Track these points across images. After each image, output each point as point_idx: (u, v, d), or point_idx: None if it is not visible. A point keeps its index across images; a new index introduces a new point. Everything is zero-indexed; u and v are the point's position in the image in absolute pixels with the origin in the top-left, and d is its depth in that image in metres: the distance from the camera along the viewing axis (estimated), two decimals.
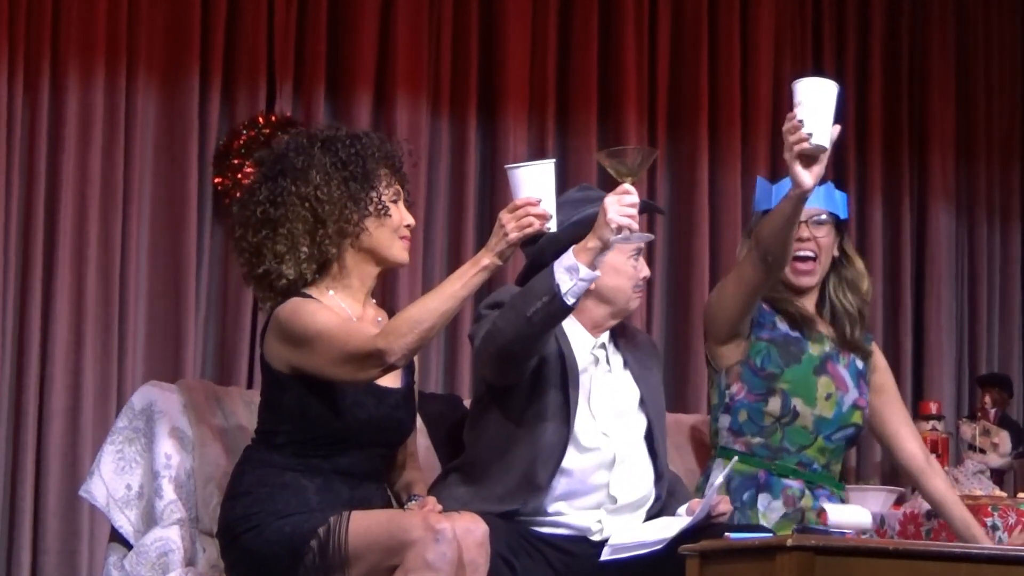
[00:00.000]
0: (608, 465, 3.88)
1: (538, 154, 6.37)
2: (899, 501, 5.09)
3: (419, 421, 4.01)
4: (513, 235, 3.57)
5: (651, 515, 3.94)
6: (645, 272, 3.99)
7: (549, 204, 3.60)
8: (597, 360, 3.97)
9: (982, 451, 5.96)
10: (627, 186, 3.61)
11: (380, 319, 3.82)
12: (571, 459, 3.85)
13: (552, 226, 3.60)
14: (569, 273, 3.60)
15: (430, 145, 6.41)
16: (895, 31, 7.28)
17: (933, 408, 6.10)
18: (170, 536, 3.89)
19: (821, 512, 4.02)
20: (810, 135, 3.74)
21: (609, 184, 3.72)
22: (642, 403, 3.99)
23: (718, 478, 3.83)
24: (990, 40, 7.42)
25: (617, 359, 4.02)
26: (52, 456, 5.70)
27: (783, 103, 6.52)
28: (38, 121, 5.83)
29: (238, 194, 4.51)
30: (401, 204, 3.85)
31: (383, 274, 3.90)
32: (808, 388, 4.18)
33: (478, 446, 3.91)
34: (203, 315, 6.06)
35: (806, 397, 4.18)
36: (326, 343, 3.61)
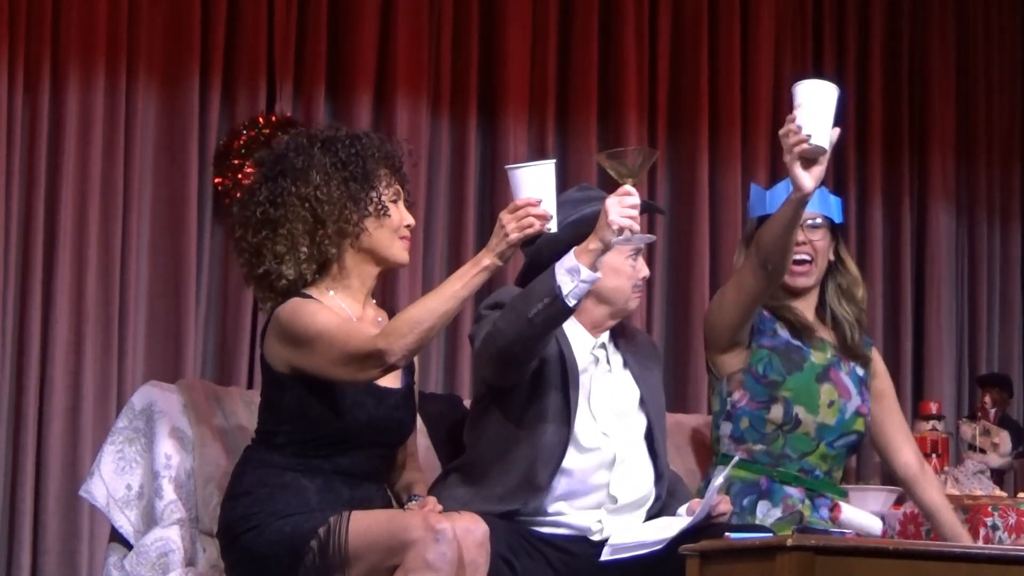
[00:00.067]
0: (608, 465, 3.88)
1: (538, 154, 6.37)
2: (899, 501, 5.09)
3: (419, 421, 4.01)
4: (513, 235, 3.57)
5: (651, 515, 3.94)
6: (644, 272, 3.99)
7: (550, 204, 3.60)
8: (597, 360, 3.97)
9: (982, 451, 5.96)
10: (628, 187, 3.61)
11: (380, 319, 3.82)
12: (571, 459, 3.85)
13: (552, 226, 3.60)
14: (570, 275, 3.60)
15: (430, 145, 6.41)
16: (895, 31, 7.28)
17: (933, 408, 6.10)
18: (170, 536, 3.89)
19: (836, 506, 4.03)
20: (809, 136, 3.74)
21: (609, 185, 3.72)
22: (642, 403, 3.99)
23: (718, 478, 3.83)
24: (990, 40, 7.42)
25: (617, 359, 4.02)
26: (52, 456, 5.70)
27: (783, 103, 6.52)
28: (38, 121, 5.83)
29: (238, 194, 4.51)
30: (401, 204, 3.85)
31: (383, 274, 3.90)
32: (810, 396, 4.18)
33: (478, 446, 3.91)
34: (203, 315, 6.06)
35: (808, 405, 4.17)
36: (326, 343, 3.61)
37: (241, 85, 6.15)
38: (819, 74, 7.13)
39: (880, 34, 7.23)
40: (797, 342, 4.22)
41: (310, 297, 3.74)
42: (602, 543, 3.83)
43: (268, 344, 3.76)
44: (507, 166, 3.71)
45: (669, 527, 3.77)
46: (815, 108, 3.75)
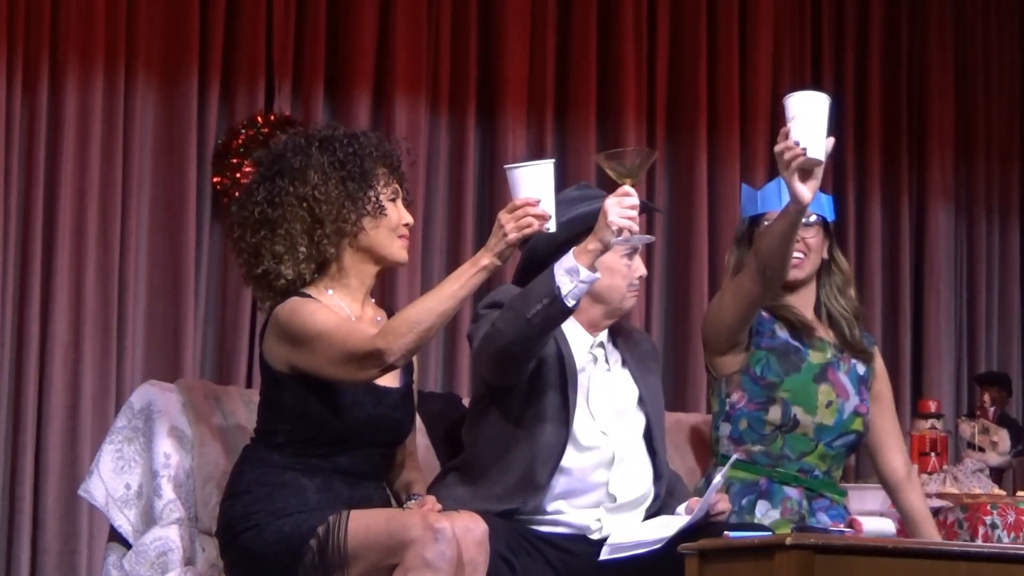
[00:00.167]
0: (607, 464, 3.88)
1: (537, 154, 6.37)
2: None
3: (418, 420, 4.01)
4: (512, 235, 3.57)
5: (650, 514, 3.94)
6: (641, 271, 3.99)
7: (548, 204, 3.59)
8: (595, 359, 3.97)
9: (981, 449, 5.96)
10: (627, 188, 3.61)
11: (379, 319, 3.82)
12: (570, 458, 3.85)
13: (551, 226, 3.60)
14: (569, 275, 3.60)
15: (429, 145, 6.42)
16: (894, 31, 7.28)
17: (932, 406, 6.10)
18: (169, 535, 3.88)
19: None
20: (806, 150, 3.74)
21: (608, 185, 3.72)
22: (641, 402, 3.99)
23: (717, 476, 3.83)
24: (988, 40, 7.43)
25: (616, 358, 4.02)
26: (51, 456, 5.70)
27: (782, 103, 6.52)
28: (37, 121, 5.83)
29: (237, 193, 4.51)
30: (399, 203, 3.85)
31: (382, 273, 3.90)
32: (808, 396, 4.18)
33: (477, 445, 3.91)
34: (202, 314, 6.07)
35: (806, 405, 4.17)
36: (325, 343, 3.61)
37: (240, 84, 6.15)
38: (818, 73, 7.14)
39: (879, 34, 7.23)
40: (796, 342, 4.22)
41: (309, 296, 3.74)
42: (601, 542, 3.83)
43: (267, 343, 3.76)
44: (506, 166, 3.71)
45: (668, 526, 3.77)
46: (809, 120, 3.75)
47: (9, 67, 5.78)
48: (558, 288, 3.59)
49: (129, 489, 3.99)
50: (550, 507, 3.85)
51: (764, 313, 4.22)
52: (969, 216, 7.33)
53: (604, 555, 3.78)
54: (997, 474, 5.97)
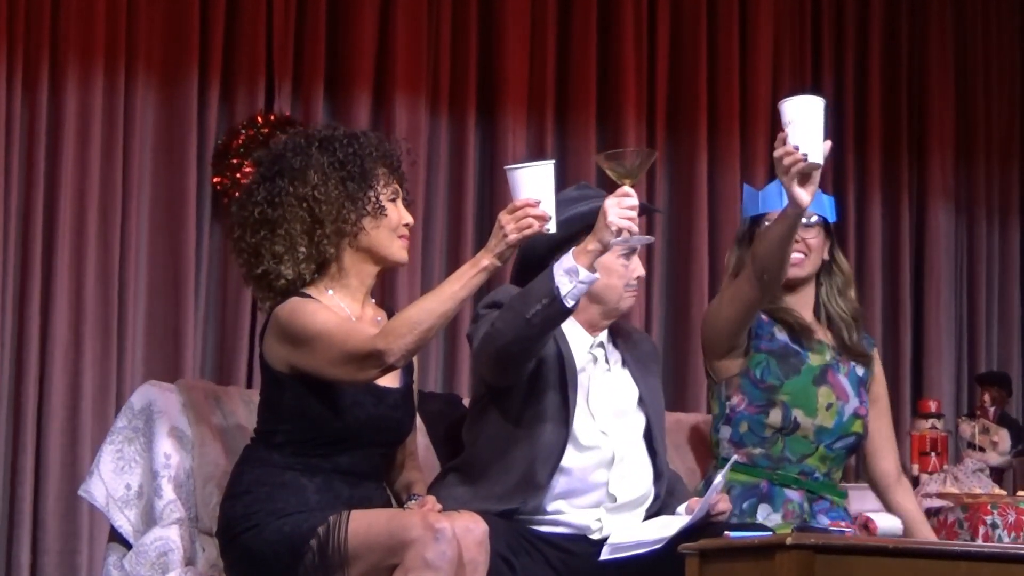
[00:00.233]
0: (607, 464, 3.88)
1: (537, 154, 6.37)
2: None
3: (418, 420, 4.01)
4: (512, 236, 3.57)
5: (650, 514, 3.93)
6: (639, 272, 3.98)
7: (548, 205, 3.59)
8: (595, 359, 3.97)
9: (981, 449, 5.97)
10: (627, 188, 3.61)
11: (379, 319, 3.82)
12: (570, 457, 3.85)
13: (552, 227, 3.60)
14: (569, 276, 3.60)
15: (429, 145, 6.42)
16: (894, 32, 7.28)
17: (932, 406, 6.10)
18: (170, 536, 3.88)
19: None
20: (805, 155, 3.74)
21: (607, 185, 3.72)
22: (641, 402, 3.99)
23: (718, 477, 3.83)
24: (988, 40, 7.43)
25: (616, 358, 4.02)
26: (51, 456, 5.70)
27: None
28: (37, 121, 5.83)
29: (237, 194, 4.51)
30: (400, 203, 3.85)
31: (382, 273, 3.90)
32: (808, 399, 4.18)
33: (477, 445, 3.91)
34: (202, 315, 6.07)
35: (806, 408, 4.17)
36: (325, 343, 3.61)
37: (240, 84, 6.15)
38: (818, 73, 7.14)
39: (879, 34, 7.23)
40: (795, 345, 4.21)
41: (309, 296, 3.74)
42: (601, 542, 3.83)
43: (267, 343, 3.76)
44: (506, 167, 3.71)
45: (668, 526, 3.77)
46: (806, 124, 3.75)
47: (9, 67, 5.78)
48: (557, 288, 3.59)
49: (129, 489, 3.99)
50: (550, 507, 3.85)
51: (763, 316, 4.21)
52: (969, 216, 7.33)
53: (604, 555, 3.78)
54: (997, 474, 5.98)
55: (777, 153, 3.76)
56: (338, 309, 3.74)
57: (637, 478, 3.93)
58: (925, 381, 7.08)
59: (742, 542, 3.35)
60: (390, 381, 3.77)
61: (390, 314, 3.80)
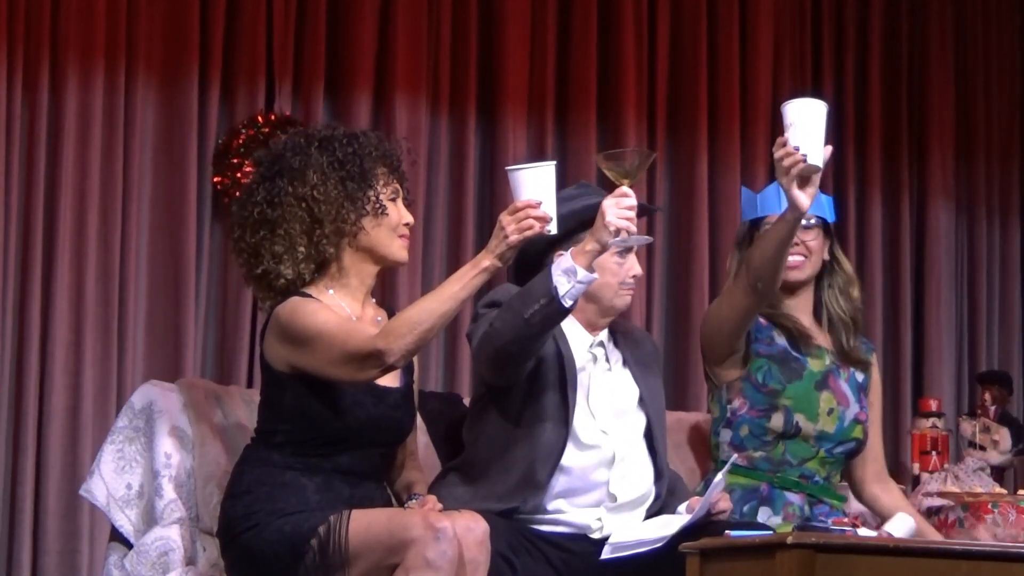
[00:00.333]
0: (608, 463, 3.88)
1: (537, 154, 6.37)
2: None
3: (419, 420, 4.01)
4: (513, 237, 3.57)
5: (651, 513, 3.93)
6: (635, 270, 3.98)
7: (550, 206, 3.59)
8: (595, 358, 3.97)
9: (982, 448, 5.97)
10: (625, 189, 3.61)
11: (380, 319, 3.82)
12: (570, 457, 3.85)
13: (553, 228, 3.60)
14: (567, 276, 3.60)
15: (429, 145, 6.42)
16: (894, 32, 7.28)
17: (933, 405, 6.11)
18: (170, 535, 3.88)
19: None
20: (805, 156, 3.73)
21: (607, 185, 3.72)
22: (641, 401, 3.99)
23: (718, 476, 3.83)
24: (988, 39, 7.43)
25: (617, 357, 4.02)
26: (52, 456, 5.71)
27: (782, 103, 6.52)
28: (37, 121, 5.83)
29: (237, 193, 4.51)
30: (400, 202, 3.85)
31: (382, 273, 3.90)
32: (810, 404, 4.17)
33: (477, 445, 3.91)
34: (203, 314, 6.07)
35: (808, 413, 4.16)
36: (326, 343, 3.61)
37: (240, 84, 6.15)
38: (818, 73, 7.14)
39: (879, 34, 7.24)
40: (794, 351, 4.20)
41: (309, 296, 3.74)
42: (601, 541, 3.83)
43: (267, 343, 3.76)
44: (507, 167, 3.70)
45: (669, 525, 3.77)
46: (807, 127, 3.74)
47: (9, 67, 5.78)
48: (555, 288, 3.60)
49: (130, 489, 3.99)
50: (550, 506, 3.85)
51: (762, 320, 4.20)
52: (969, 215, 7.33)
53: (605, 554, 3.78)
54: (998, 473, 5.98)
55: (777, 154, 3.76)
56: (339, 309, 3.74)
57: (637, 478, 3.93)
58: (926, 380, 7.08)
59: (743, 541, 3.35)
60: (390, 381, 3.77)
61: (391, 314, 3.80)
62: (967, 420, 6.20)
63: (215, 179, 6.08)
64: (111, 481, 4.00)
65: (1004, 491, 5.30)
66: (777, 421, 4.15)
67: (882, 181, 7.17)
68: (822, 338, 4.27)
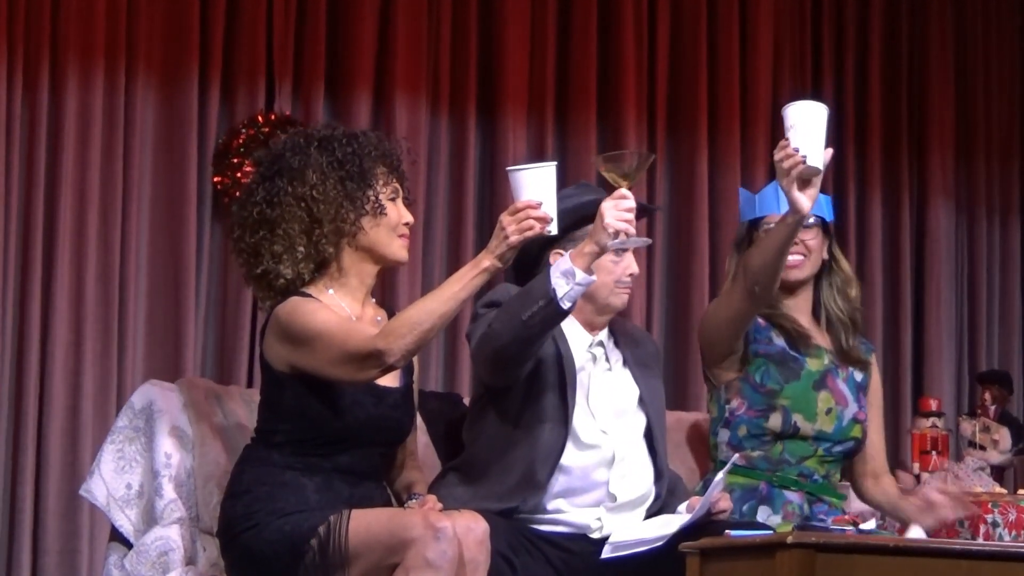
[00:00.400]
0: (607, 463, 3.88)
1: (537, 154, 6.38)
2: None
3: (419, 419, 4.01)
4: (513, 238, 3.57)
5: (651, 513, 3.93)
6: (632, 269, 3.97)
7: (550, 207, 3.59)
8: (595, 358, 3.97)
9: (982, 448, 5.97)
10: (624, 191, 3.61)
11: (380, 318, 3.82)
12: (570, 456, 3.85)
13: (553, 229, 3.60)
14: (565, 277, 3.60)
15: (429, 145, 6.42)
16: (894, 32, 7.29)
17: (933, 405, 6.10)
18: (170, 535, 3.88)
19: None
20: (805, 158, 3.73)
21: (607, 185, 3.72)
22: (641, 401, 3.99)
23: (719, 475, 3.83)
24: (988, 39, 7.43)
25: (617, 357, 4.02)
26: (52, 456, 5.71)
27: (782, 102, 6.53)
28: (37, 121, 5.83)
29: (237, 193, 4.51)
30: (399, 202, 3.85)
31: (382, 273, 3.90)
32: (808, 404, 4.17)
33: (477, 445, 3.91)
34: (203, 314, 6.07)
35: (806, 412, 4.16)
36: (325, 343, 3.61)
37: (240, 84, 6.16)
38: (818, 73, 7.15)
39: (879, 34, 7.24)
40: (793, 352, 4.20)
41: (309, 296, 3.74)
42: (601, 541, 3.83)
43: (267, 343, 3.76)
44: (508, 168, 3.70)
45: (669, 524, 3.77)
46: (808, 129, 3.74)
47: (9, 67, 5.79)
48: (554, 290, 3.60)
49: (130, 489, 3.99)
50: (550, 506, 3.85)
51: (760, 320, 4.20)
52: (969, 215, 7.33)
53: (606, 554, 3.78)
54: (998, 472, 5.98)
55: (777, 156, 3.76)
56: (338, 308, 3.74)
57: (637, 477, 3.93)
58: (926, 380, 7.08)
59: (743, 541, 3.35)
60: (390, 381, 3.77)
61: (391, 314, 3.80)
62: (967, 420, 6.20)
63: (215, 179, 6.08)
64: (111, 481, 4.00)
65: (1004, 491, 5.31)
66: (775, 421, 4.15)
67: (882, 181, 7.18)
68: (821, 338, 4.27)
